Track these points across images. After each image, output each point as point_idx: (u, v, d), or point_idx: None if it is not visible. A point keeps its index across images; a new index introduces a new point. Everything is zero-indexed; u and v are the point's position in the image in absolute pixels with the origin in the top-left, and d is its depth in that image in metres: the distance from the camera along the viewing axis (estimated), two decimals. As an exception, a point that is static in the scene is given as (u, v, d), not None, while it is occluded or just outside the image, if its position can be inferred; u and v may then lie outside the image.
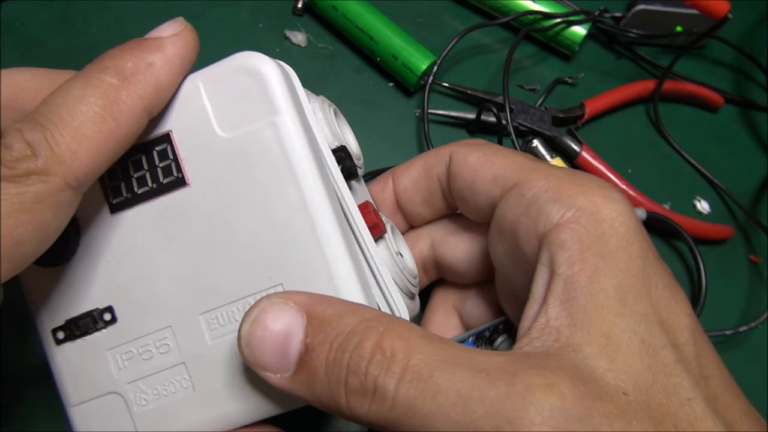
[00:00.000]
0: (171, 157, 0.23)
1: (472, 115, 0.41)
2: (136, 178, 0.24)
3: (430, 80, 0.40)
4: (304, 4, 0.44)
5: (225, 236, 0.23)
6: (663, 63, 0.45)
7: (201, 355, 0.23)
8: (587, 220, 0.21)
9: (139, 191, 0.24)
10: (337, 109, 0.28)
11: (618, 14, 0.45)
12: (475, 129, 0.42)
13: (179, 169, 0.23)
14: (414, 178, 0.28)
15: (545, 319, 0.20)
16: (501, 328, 0.28)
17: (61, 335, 0.24)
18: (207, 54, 0.43)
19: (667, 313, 0.20)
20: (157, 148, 0.23)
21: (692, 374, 0.19)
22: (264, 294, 0.22)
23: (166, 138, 0.23)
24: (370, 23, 0.42)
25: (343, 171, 0.25)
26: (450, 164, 0.27)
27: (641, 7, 0.44)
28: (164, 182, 0.23)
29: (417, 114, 0.42)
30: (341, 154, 0.25)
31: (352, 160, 0.25)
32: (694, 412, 0.18)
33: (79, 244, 0.24)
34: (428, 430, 0.18)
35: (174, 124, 0.23)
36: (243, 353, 0.20)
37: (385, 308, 0.24)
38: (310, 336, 0.20)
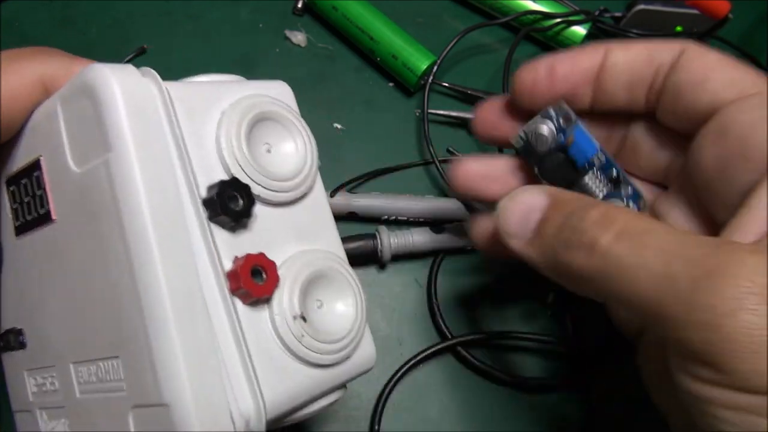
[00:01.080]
0: (42, 186, 0.21)
1: (472, 115, 0.41)
2: (26, 203, 0.22)
3: (430, 80, 0.40)
4: (304, 4, 0.44)
5: (83, 286, 0.20)
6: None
7: (74, 405, 0.21)
8: None
9: (28, 218, 0.22)
10: (273, 112, 0.22)
11: (618, 14, 0.45)
12: (475, 129, 0.42)
13: (46, 202, 0.21)
14: (632, 55, 0.26)
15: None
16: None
17: (0, 343, 0.24)
18: (207, 54, 0.44)
19: None
20: (35, 174, 0.21)
21: None
22: (108, 362, 0.19)
23: (38, 165, 0.21)
24: (370, 23, 0.42)
25: (224, 213, 0.19)
26: (681, 56, 0.25)
27: (641, 7, 0.44)
28: (40, 213, 0.21)
29: (417, 114, 0.42)
30: (215, 193, 0.19)
31: (244, 196, 0.20)
32: None
33: (3, 261, 0.23)
34: (632, 280, 0.19)
35: (43, 148, 0.21)
36: (497, 221, 0.24)
37: (238, 388, 0.19)
38: (550, 210, 0.23)
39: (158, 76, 0.20)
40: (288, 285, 0.20)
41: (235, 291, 0.19)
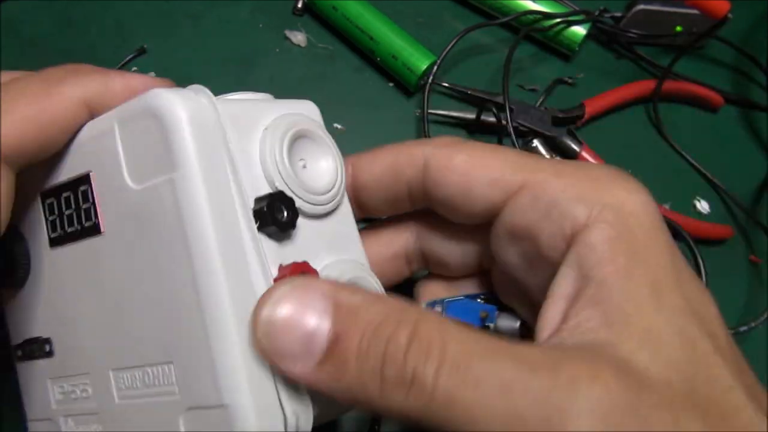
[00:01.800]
0: (90, 200, 0.22)
1: (472, 115, 0.41)
2: (67, 216, 0.23)
3: (430, 80, 0.40)
4: (304, 4, 0.44)
5: (131, 296, 0.21)
6: (663, 63, 0.45)
7: (111, 410, 0.22)
8: (614, 217, 0.21)
9: (69, 230, 0.22)
10: (309, 130, 0.24)
11: (618, 14, 0.45)
12: (475, 129, 0.42)
13: (96, 215, 0.21)
14: (377, 176, 0.26)
15: (576, 321, 0.20)
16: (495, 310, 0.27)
17: (19, 353, 0.24)
18: (208, 54, 0.44)
19: (698, 304, 0.20)
20: (82, 188, 0.22)
21: (729, 363, 0.19)
22: (159, 367, 0.20)
23: (87, 179, 0.22)
24: (370, 23, 0.42)
25: (272, 224, 0.20)
26: (429, 171, 0.24)
27: (641, 7, 0.44)
28: (85, 226, 0.22)
29: (417, 114, 0.42)
30: (265, 205, 0.20)
31: (288, 208, 0.21)
32: (736, 400, 0.18)
33: (30, 271, 0.24)
34: (468, 421, 0.17)
35: (94, 164, 0.22)
36: (260, 342, 0.18)
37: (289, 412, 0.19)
38: (338, 324, 0.18)
39: (212, 96, 0.21)
40: None
41: None
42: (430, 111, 0.41)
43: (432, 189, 0.25)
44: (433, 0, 0.46)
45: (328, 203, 0.23)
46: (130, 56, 0.43)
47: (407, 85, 0.42)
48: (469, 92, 0.42)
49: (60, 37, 0.44)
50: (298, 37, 0.44)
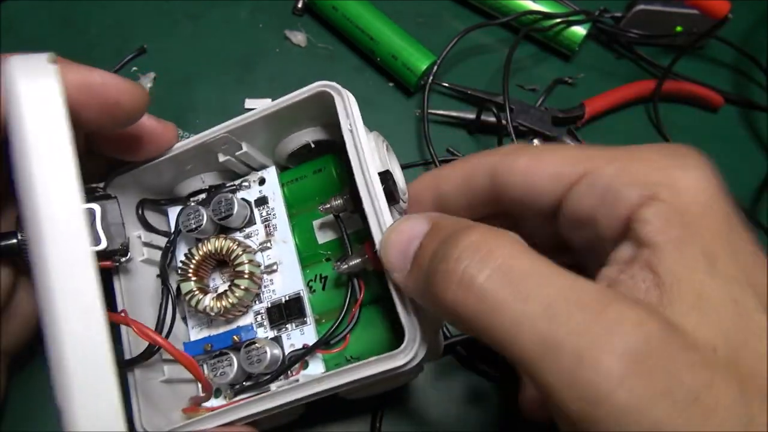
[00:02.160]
0: None
1: (472, 115, 0.41)
2: None
3: (430, 80, 0.40)
4: (304, 4, 0.44)
5: None
6: (663, 63, 0.45)
7: None
8: (668, 194, 0.21)
9: None
10: (389, 146, 0.29)
11: (618, 14, 0.45)
12: (475, 129, 0.42)
13: None
14: (454, 185, 0.28)
15: (630, 282, 0.20)
16: None
17: None
18: (208, 54, 0.44)
19: (757, 276, 0.20)
20: None
21: None
22: None
23: None
24: (370, 23, 0.42)
25: (385, 191, 0.26)
26: (496, 177, 0.26)
27: (641, 7, 0.44)
28: None
29: (417, 114, 0.42)
30: (385, 176, 0.26)
31: (396, 185, 0.26)
32: None
33: None
34: (510, 333, 0.18)
35: None
36: (380, 256, 0.23)
37: None
38: (425, 238, 0.21)
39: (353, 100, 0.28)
40: None
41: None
42: (430, 111, 0.41)
43: (501, 193, 0.26)
44: (433, 0, 0.46)
45: (405, 201, 0.28)
46: (130, 56, 0.43)
47: (407, 85, 0.42)
48: (469, 92, 0.42)
49: (60, 37, 0.44)
50: (298, 37, 0.44)
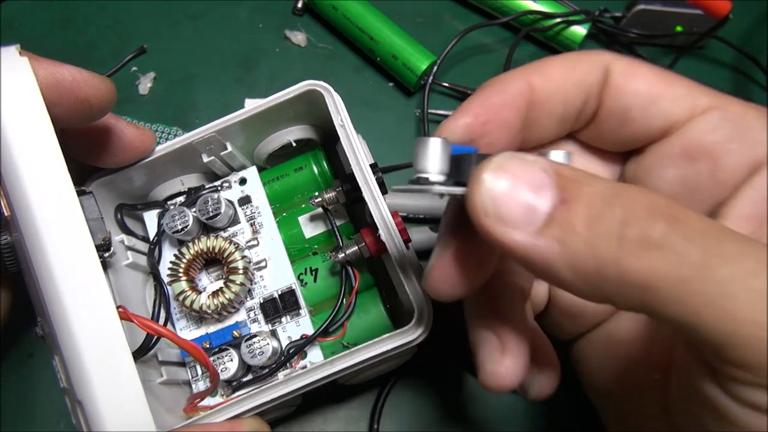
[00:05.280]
0: None
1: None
2: None
3: (430, 80, 0.40)
4: (304, 4, 0.44)
5: None
6: (663, 63, 0.45)
7: None
8: None
9: None
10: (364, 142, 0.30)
11: (618, 14, 0.45)
12: (475, 129, 0.42)
13: None
14: (558, 85, 0.23)
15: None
16: None
17: None
18: (208, 54, 0.44)
19: None
20: None
21: None
22: None
23: None
24: (370, 23, 0.42)
25: (377, 181, 0.27)
26: (611, 77, 0.23)
27: (641, 7, 0.44)
28: None
29: (417, 114, 0.42)
30: (375, 167, 0.27)
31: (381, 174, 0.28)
32: None
33: None
34: (725, 298, 0.15)
35: None
36: (484, 208, 0.18)
37: None
38: (564, 191, 0.17)
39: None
40: None
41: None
42: (430, 111, 0.41)
43: (610, 98, 0.23)
44: (433, 0, 0.46)
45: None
46: (130, 56, 0.43)
47: (407, 85, 0.42)
48: (469, 92, 0.42)
49: (60, 37, 0.44)
50: (298, 37, 0.44)
